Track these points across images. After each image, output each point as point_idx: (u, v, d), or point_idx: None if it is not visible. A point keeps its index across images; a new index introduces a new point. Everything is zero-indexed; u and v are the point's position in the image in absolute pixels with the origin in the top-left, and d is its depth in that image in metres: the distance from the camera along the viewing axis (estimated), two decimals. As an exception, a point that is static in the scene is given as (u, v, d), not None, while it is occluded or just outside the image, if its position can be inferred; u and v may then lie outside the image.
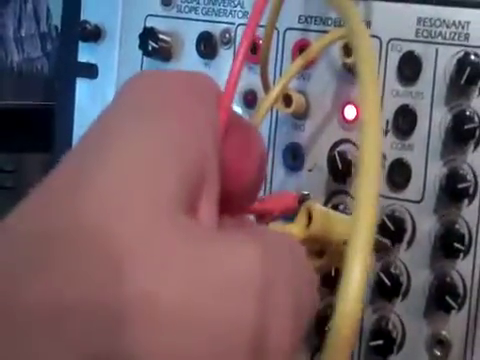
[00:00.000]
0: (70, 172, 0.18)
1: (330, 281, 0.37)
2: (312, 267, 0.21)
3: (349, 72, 0.38)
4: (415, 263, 0.36)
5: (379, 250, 0.35)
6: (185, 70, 0.23)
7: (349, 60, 0.36)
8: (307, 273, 0.21)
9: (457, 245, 0.35)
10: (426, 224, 0.36)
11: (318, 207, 0.25)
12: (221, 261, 0.17)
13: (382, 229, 0.36)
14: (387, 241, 0.36)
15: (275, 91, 0.34)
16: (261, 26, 0.39)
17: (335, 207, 0.37)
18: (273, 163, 0.40)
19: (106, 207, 0.17)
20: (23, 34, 0.70)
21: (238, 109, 0.40)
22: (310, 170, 0.39)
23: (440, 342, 0.36)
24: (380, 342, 0.35)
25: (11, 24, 0.69)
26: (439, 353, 0.36)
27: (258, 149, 0.23)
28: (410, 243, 0.37)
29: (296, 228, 0.25)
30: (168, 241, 0.17)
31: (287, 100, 0.36)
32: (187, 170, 0.19)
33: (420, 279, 0.36)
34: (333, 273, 0.36)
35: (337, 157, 0.36)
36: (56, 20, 0.69)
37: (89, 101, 0.43)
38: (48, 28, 0.70)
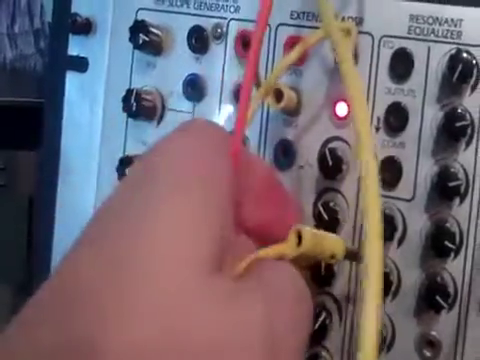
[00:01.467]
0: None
1: (320, 277, 0.37)
2: (308, 288, 0.25)
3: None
4: (405, 262, 0.36)
5: (352, 259, 0.35)
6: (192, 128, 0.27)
7: (341, 56, 0.35)
8: (308, 296, 0.25)
9: (448, 244, 0.34)
10: (417, 223, 0.36)
11: (307, 228, 0.28)
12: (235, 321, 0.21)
13: (372, 227, 0.36)
14: (355, 248, 0.36)
15: (264, 87, 0.34)
16: (252, 21, 0.39)
17: (325, 204, 0.36)
18: (264, 159, 0.39)
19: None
20: (16, 30, 0.69)
21: (230, 106, 0.40)
22: (301, 167, 0.38)
23: (430, 342, 0.35)
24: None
25: (4, 20, 0.69)
26: (429, 353, 0.35)
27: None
28: (400, 242, 0.36)
29: (287, 248, 0.27)
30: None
31: (278, 95, 0.35)
32: (214, 233, 0.22)
33: (410, 278, 0.36)
34: (323, 271, 0.36)
35: (328, 154, 0.36)
36: (50, 16, 0.68)
37: (78, 95, 0.43)
38: (42, 25, 0.70)
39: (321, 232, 0.30)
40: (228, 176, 0.25)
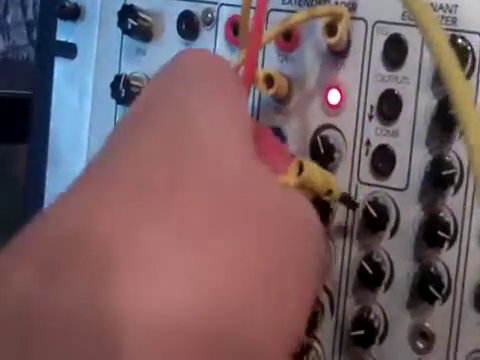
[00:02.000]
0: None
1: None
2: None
3: (333, 55, 0.37)
4: (398, 252, 0.35)
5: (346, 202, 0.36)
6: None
7: (332, 40, 0.34)
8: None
9: (442, 234, 0.33)
10: (410, 212, 0.35)
11: (309, 162, 0.31)
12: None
13: (365, 216, 0.35)
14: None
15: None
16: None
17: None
18: (254, 148, 0.39)
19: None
20: (9, 21, 0.69)
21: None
22: (292, 155, 0.37)
23: (423, 334, 0.35)
24: (361, 332, 0.34)
25: (-3, 11, 0.68)
26: (422, 345, 0.35)
27: None
28: (393, 232, 0.35)
29: (288, 178, 0.29)
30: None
31: (269, 81, 0.34)
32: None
33: (403, 269, 0.35)
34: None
35: (320, 142, 0.35)
36: (42, 7, 0.68)
37: (67, 82, 0.42)
38: (34, 16, 0.69)
39: (320, 168, 0.32)
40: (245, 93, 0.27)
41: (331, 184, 0.32)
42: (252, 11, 0.33)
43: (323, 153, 0.35)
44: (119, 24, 0.39)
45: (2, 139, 0.64)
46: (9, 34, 0.69)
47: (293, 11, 0.38)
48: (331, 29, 0.35)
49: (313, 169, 0.30)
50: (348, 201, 0.35)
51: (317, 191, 0.31)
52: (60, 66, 0.42)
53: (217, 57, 0.29)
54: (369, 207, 0.34)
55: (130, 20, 0.38)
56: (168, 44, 0.40)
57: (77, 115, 0.42)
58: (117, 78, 0.39)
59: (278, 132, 0.37)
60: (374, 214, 0.34)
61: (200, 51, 0.29)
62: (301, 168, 0.29)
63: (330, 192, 0.32)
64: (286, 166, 0.29)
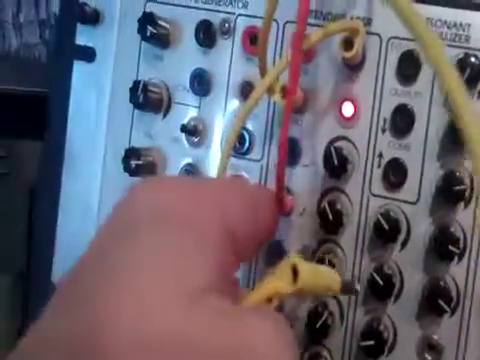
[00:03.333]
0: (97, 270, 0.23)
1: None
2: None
3: (348, 68, 0.37)
4: (408, 265, 0.36)
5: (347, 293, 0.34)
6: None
7: (348, 55, 0.35)
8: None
9: (452, 248, 0.34)
10: (421, 226, 0.36)
11: (304, 264, 0.27)
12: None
13: (376, 228, 0.36)
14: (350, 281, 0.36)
15: (268, 79, 0.34)
16: (260, 17, 0.39)
17: (331, 204, 0.36)
18: (269, 158, 0.39)
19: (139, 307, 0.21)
20: (22, 20, 0.69)
21: (236, 101, 0.40)
22: (306, 165, 0.38)
23: (432, 346, 0.35)
24: (371, 342, 0.34)
25: (10, 9, 0.68)
26: (430, 357, 0.35)
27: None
28: (404, 244, 0.36)
29: (281, 284, 0.26)
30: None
31: (285, 92, 0.35)
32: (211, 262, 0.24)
33: (413, 281, 0.36)
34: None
35: (333, 153, 0.36)
36: (56, 7, 0.68)
37: (85, 85, 0.43)
38: (47, 15, 0.70)
39: (317, 266, 0.30)
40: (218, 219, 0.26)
41: (331, 282, 0.29)
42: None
43: (336, 164, 0.36)
44: (139, 31, 0.39)
45: (13, 135, 0.64)
46: (21, 32, 0.69)
47: (308, 24, 0.38)
48: (347, 43, 0.35)
49: (311, 272, 0.27)
50: (349, 291, 0.33)
51: (317, 294, 0.30)
52: (79, 69, 0.43)
53: (171, 195, 0.26)
54: (381, 219, 0.35)
55: (149, 27, 0.39)
56: (185, 51, 0.41)
57: (94, 118, 0.43)
58: (136, 83, 0.39)
59: (292, 142, 0.38)
60: (385, 226, 0.35)
61: (154, 188, 0.27)
62: (295, 273, 0.26)
63: (330, 291, 0.30)
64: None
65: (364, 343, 0.35)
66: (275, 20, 0.38)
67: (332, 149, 0.36)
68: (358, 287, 0.34)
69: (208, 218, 0.25)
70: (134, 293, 0.21)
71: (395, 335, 0.36)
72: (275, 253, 0.38)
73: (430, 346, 0.35)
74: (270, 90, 0.35)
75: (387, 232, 0.35)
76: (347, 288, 0.32)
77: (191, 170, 0.40)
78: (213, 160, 0.40)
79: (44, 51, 0.70)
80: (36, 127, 0.62)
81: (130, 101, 0.40)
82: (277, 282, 0.26)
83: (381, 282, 0.35)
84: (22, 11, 0.69)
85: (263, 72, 0.35)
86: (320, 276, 0.28)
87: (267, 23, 0.33)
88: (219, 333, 0.22)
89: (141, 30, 0.39)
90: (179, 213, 0.25)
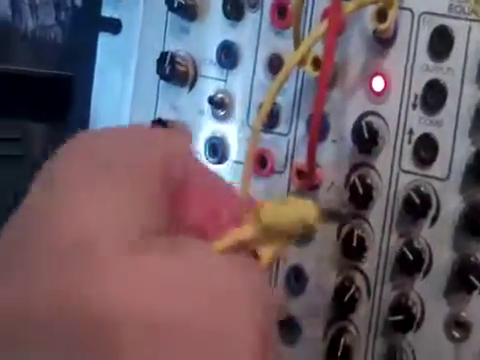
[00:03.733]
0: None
1: (350, 251, 0.36)
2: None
3: (379, 43, 0.37)
4: (438, 241, 0.35)
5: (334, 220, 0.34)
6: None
7: (382, 26, 0.35)
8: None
9: (483, 223, 0.34)
10: (451, 203, 0.35)
11: (267, 204, 0.24)
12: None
13: (407, 203, 0.35)
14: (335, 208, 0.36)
15: (300, 50, 0.34)
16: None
17: (361, 177, 0.35)
18: (296, 132, 0.39)
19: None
20: (38, 1, 0.69)
21: (263, 75, 0.39)
22: (334, 141, 0.38)
23: (459, 323, 0.35)
24: (400, 317, 0.34)
25: (26, -11, 0.68)
26: (458, 334, 0.35)
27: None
28: (433, 221, 0.36)
29: (244, 231, 0.24)
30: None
31: (316, 63, 0.35)
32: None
33: (442, 258, 0.35)
34: (355, 243, 0.35)
35: (364, 127, 0.35)
36: (72, -11, 0.68)
37: (110, 57, 0.42)
38: (63, -4, 0.69)
39: (284, 202, 0.25)
40: (160, 169, 0.23)
41: (304, 214, 0.25)
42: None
43: (367, 138, 0.35)
44: (166, 1, 0.39)
45: (26, 117, 0.64)
46: (37, 13, 0.69)
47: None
48: (381, 15, 0.35)
49: (277, 210, 0.25)
50: (333, 216, 0.33)
51: (291, 230, 0.25)
52: (104, 41, 0.42)
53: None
54: (412, 194, 0.34)
55: (177, -2, 0.38)
56: (212, 24, 0.40)
57: (119, 90, 0.42)
58: (163, 54, 0.39)
59: (322, 117, 0.37)
60: (417, 201, 0.34)
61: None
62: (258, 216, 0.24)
63: (305, 223, 0.25)
64: (221, 230, 0.24)
65: (393, 318, 0.34)
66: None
67: (363, 123, 0.36)
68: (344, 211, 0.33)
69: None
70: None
71: (422, 312, 0.35)
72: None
73: (458, 323, 0.35)
74: (302, 62, 0.35)
75: (418, 207, 0.35)
76: (330, 214, 0.32)
77: (217, 143, 0.40)
78: (239, 133, 0.40)
79: (60, 33, 0.69)
80: (50, 109, 0.61)
81: (157, 72, 0.39)
82: (238, 231, 0.24)
83: (411, 257, 0.34)
84: (38, -8, 0.68)
85: (297, 43, 0.34)
86: (287, 210, 0.25)
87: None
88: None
89: (169, 0, 0.39)
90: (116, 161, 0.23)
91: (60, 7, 0.70)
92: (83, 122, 0.43)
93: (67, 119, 0.46)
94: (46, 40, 0.68)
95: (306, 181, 0.36)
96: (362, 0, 0.34)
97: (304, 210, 0.25)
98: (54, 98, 0.55)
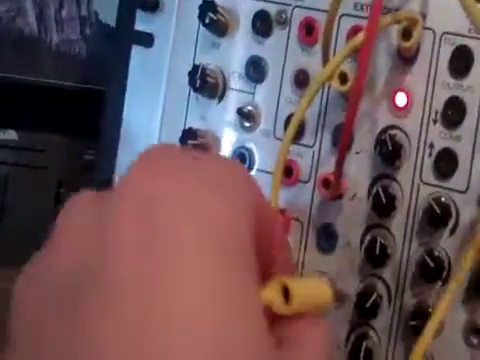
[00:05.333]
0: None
1: (374, 258, 0.37)
2: None
3: (402, 60, 0.38)
4: (457, 251, 0.37)
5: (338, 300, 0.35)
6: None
7: (407, 44, 0.36)
8: None
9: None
10: (469, 214, 0.37)
11: (294, 283, 0.23)
12: None
13: (427, 213, 0.36)
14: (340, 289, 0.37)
15: (329, 67, 0.35)
16: (319, 10, 0.40)
17: (385, 188, 0.37)
18: (321, 144, 0.40)
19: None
20: (64, 15, 0.71)
21: (289, 90, 0.41)
22: (357, 152, 0.39)
23: (477, 330, 0.36)
24: (419, 322, 0.35)
25: (52, 4, 0.70)
26: (476, 341, 0.36)
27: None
28: (452, 231, 0.37)
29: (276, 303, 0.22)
30: None
31: (343, 78, 0.36)
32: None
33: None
34: (377, 251, 0.36)
35: (388, 139, 0.37)
36: (97, 5, 0.70)
37: (142, 70, 0.44)
38: (88, 12, 0.71)
39: (307, 282, 0.26)
40: (249, 225, 0.20)
41: (325, 296, 0.25)
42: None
43: (391, 149, 0.37)
44: (199, 16, 0.40)
45: (50, 129, 0.65)
46: (63, 28, 0.71)
47: (363, 17, 0.40)
48: (406, 34, 0.37)
49: (303, 295, 0.24)
50: (342, 298, 0.34)
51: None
52: (136, 55, 0.44)
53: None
54: (433, 204, 0.36)
55: (210, 14, 0.40)
56: (241, 40, 0.42)
57: (150, 101, 0.44)
58: (195, 67, 0.41)
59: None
60: (438, 211, 0.36)
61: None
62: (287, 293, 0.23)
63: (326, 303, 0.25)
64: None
65: (413, 322, 0.35)
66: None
67: (387, 136, 0.37)
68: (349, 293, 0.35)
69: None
70: None
71: (442, 319, 0.37)
72: (326, 236, 0.39)
73: (476, 330, 0.36)
74: (329, 77, 0.36)
75: (439, 217, 0.36)
76: (339, 296, 0.33)
77: (244, 153, 0.42)
78: (265, 143, 0.41)
79: (84, 47, 0.71)
80: (73, 122, 0.63)
81: (189, 84, 0.41)
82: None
83: (432, 264, 0.35)
84: (64, 7, 0.70)
85: (325, 58, 0.36)
86: (312, 293, 0.25)
87: (332, 12, 0.35)
88: None
89: (201, 16, 0.40)
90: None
91: (85, 22, 0.72)
92: (114, 135, 0.45)
93: (97, 133, 0.47)
94: (70, 54, 0.70)
95: (332, 190, 0.37)
96: (395, 17, 0.36)
97: (324, 293, 0.25)
98: (84, 112, 0.56)
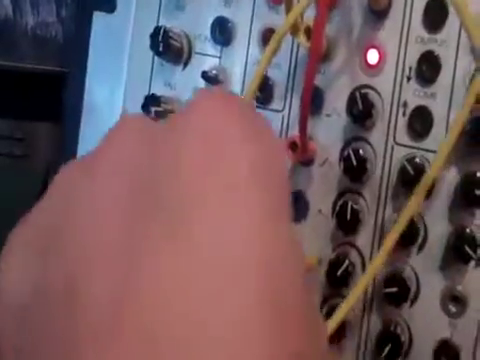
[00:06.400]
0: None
1: (345, 224, 0.35)
2: None
3: (373, 14, 0.36)
4: (433, 214, 0.35)
5: None
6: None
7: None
8: None
9: (478, 192, 0.33)
10: (446, 175, 0.35)
11: None
12: None
13: (401, 175, 0.35)
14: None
15: (290, 17, 0.33)
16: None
17: (355, 150, 0.35)
18: (290, 108, 0.38)
19: None
20: (39, -3, 0.69)
21: (257, 51, 0.39)
22: (328, 115, 0.37)
23: (455, 297, 0.34)
24: (394, 289, 0.33)
25: (27, -14, 0.68)
26: (454, 309, 0.34)
27: None
28: (428, 194, 0.35)
29: None
30: None
31: (309, 33, 0.34)
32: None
33: (437, 231, 0.35)
34: (349, 217, 0.35)
35: (358, 98, 0.35)
36: (73, -14, 0.68)
37: (105, 36, 0.42)
38: (64, -7, 0.70)
39: None
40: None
41: None
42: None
43: (361, 109, 0.35)
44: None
45: (30, 117, 0.64)
46: (38, 10, 0.69)
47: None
48: (375, -14, 0.35)
49: None
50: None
51: None
52: (98, 21, 0.42)
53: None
54: (407, 165, 0.34)
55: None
56: (206, 1, 0.40)
57: (113, 68, 0.42)
58: (156, 29, 0.39)
59: (315, 91, 0.37)
60: (411, 172, 0.34)
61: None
62: None
63: None
64: None
65: (388, 290, 0.34)
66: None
67: (357, 94, 0.35)
68: None
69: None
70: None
71: (418, 286, 0.35)
72: (297, 204, 0.37)
73: (454, 297, 0.34)
74: (294, 31, 0.35)
75: (413, 178, 0.34)
76: None
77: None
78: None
79: (60, 30, 0.69)
80: (53, 108, 0.61)
81: (150, 48, 0.39)
82: None
83: (407, 229, 0.33)
84: (40, -12, 0.69)
85: (288, 9, 0.34)
86: None
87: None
88: None
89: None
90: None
91: (61, 4, 0.70)
92: (77, 106, 0.43)
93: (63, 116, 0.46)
94: (47, 37, 0.68)
95: (299, 153, 0.35)
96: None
97: None
98: (55, 96, 0.55)
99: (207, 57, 0.40)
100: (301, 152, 0.35)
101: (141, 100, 0.40)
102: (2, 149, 0.63)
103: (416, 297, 0.35)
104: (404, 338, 0.34)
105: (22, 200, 0.61)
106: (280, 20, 0.38)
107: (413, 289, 0.34)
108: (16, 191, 0.61)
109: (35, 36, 0.68)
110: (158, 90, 0.41)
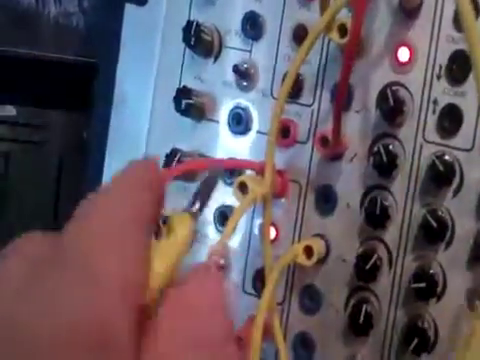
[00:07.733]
0: None
1: (374, 219, 0.36)
2: None
3: (404, 13, 0.37)
4: (460, 212, 0.35)
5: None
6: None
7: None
8: None
9: (507, 191, 0.33)
10: (474, 173, 0.35)
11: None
12: None
13: (430, 171, 0.35)
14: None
15: (326, 16, 0.34)
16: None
17: (385, 147, 0.35)
18: (320, 103, 0.39)
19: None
20: (61, -12, 0.69)
21: (288, 47, 0.39)
22: (357, 111, 0.37)
23: (481, 295, 0.34)
24: (423, 285, 0.34)
25: (50, -24, 0.68)
26: (480, 305, 0.34)
27: None
28: (456, 192, 0.35)
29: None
30: None
31: (342, 30, 0.35)
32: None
33: (465, 229, 0.35)
34: (378, 212, 0.35)
35: (390, 95, 0.35)
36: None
37: (136, 28, 0.42)
38: (86, -16, 0.70)
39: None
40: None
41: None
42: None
43: (392, 105, 0.35)
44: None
45: (48, 104, 0.64)
46: (61, 0, 0.69)
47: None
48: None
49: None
50: None
51: None
52: (129, 13, 0.43)
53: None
54: (436, 162, 0.34)
55: (205, -31, 0.38)
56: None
57: (144, 60, 0.42)
58: (189, 23, 0.39)
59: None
60: (441, 168, 0.34)
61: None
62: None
63: None
64: None
65: (415, 285, 0.34)
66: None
67: (388, 91, 0.35)
68: None
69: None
70: None
71: (444, 282, 0.35)
72: (325, 198, 0.38)
73: (480, 294, 0.35)
74: (327, 29, 0.35)
75: (442, 175, 0.34)
76: None
77: (241, 113, 0.40)
78: (263, 103, 0.40)
79: (82, 20, 0.70)
80: (72, 97, 0.62)
81: (183, 40, 0.39)
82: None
83: (435, 224, 0.34)
84: (62, -22, 0.69)
85: (323, 10, 0.34)
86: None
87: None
88: None
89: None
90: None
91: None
92: (107, 97, 0.44)
93: (91, 107, 0.46)
94: (68, 27, 0.68)
95: (330, 149, 0.36)
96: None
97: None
98: (77, 85, 0.55)
99: (237, 51, 0.40)
100: (333, 147, 0.35)
101: (170, 92, 0.40)
102: (21, 136, 0.64)
103: (442, 293, 0.35)
104: (430, 333, 0.35)
105: (38, 184, 0.62)
106: (311, 16, 0.38)
107: (440, 284, 0.35)
108: (32, 177, 0.61)
109: (57, 25, 0.69)
110: (188, 83, 0.41)
